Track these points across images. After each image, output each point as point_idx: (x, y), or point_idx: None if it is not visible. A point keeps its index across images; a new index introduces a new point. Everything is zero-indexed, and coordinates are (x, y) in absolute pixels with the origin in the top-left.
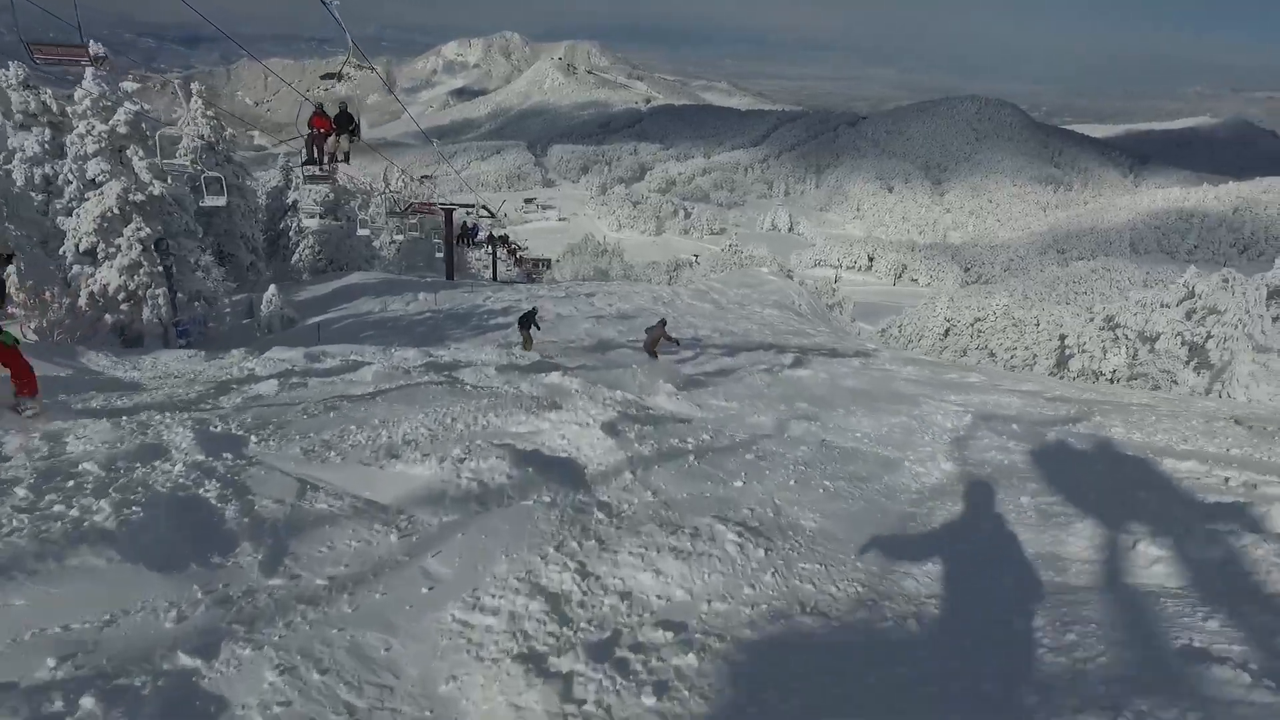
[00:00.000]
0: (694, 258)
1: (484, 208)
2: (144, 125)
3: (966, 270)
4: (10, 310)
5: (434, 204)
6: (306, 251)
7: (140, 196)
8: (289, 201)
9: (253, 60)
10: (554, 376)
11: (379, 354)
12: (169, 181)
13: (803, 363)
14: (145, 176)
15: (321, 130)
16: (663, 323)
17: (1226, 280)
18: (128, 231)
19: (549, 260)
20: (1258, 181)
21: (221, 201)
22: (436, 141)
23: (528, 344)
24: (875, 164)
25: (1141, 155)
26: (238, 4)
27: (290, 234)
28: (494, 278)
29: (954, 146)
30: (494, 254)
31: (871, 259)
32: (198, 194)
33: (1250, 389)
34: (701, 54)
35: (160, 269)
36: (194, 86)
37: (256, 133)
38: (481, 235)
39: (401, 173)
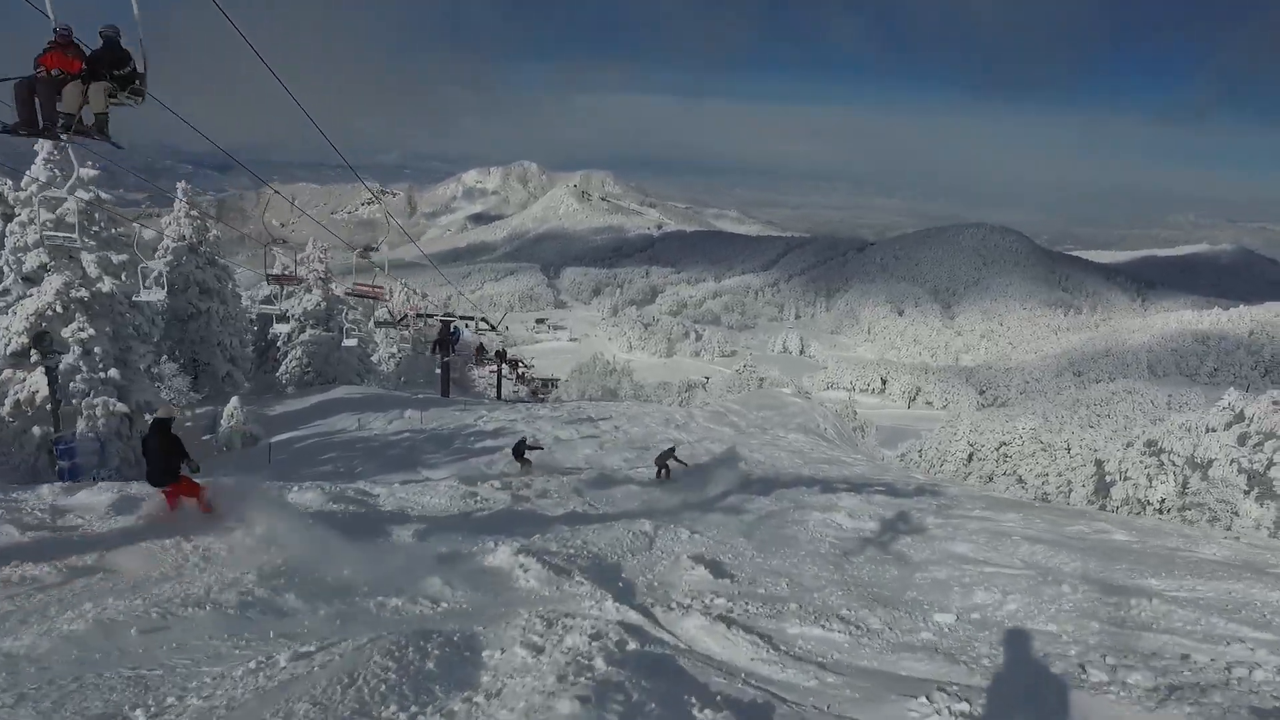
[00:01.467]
0: (705, 379)
1: (483, 319)
2: (97, 215)
3: (982, 393)
4: None
5: (426, 314)
6: (293, 363)
7: (85, 293)
8: (280, 310)
9: (279, 184)
10: (501, 554)
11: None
12: (123, 279)
13: (909, 522)
14: (93, 271)
15: (53, 74)
16: (672, 450)
17: (1277, 402)
18: (67, 332)
19: (555, 379)
20: (1268, 306)
21: (158, 296)
22: (434, 262)
23: (525, 469)
24: (885, 288)
25: (1147, 280)
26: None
27: (278, 344)
28: (498, 396)
29: (962, 271)
30: (499, 371)
31: (885, 381)
32: (172, 295)
33: None
34: (712, 182)
35: (101, 374)
36: (180, 184)
37: (276, 249)
38: (468, 338)
39: (404, 285)
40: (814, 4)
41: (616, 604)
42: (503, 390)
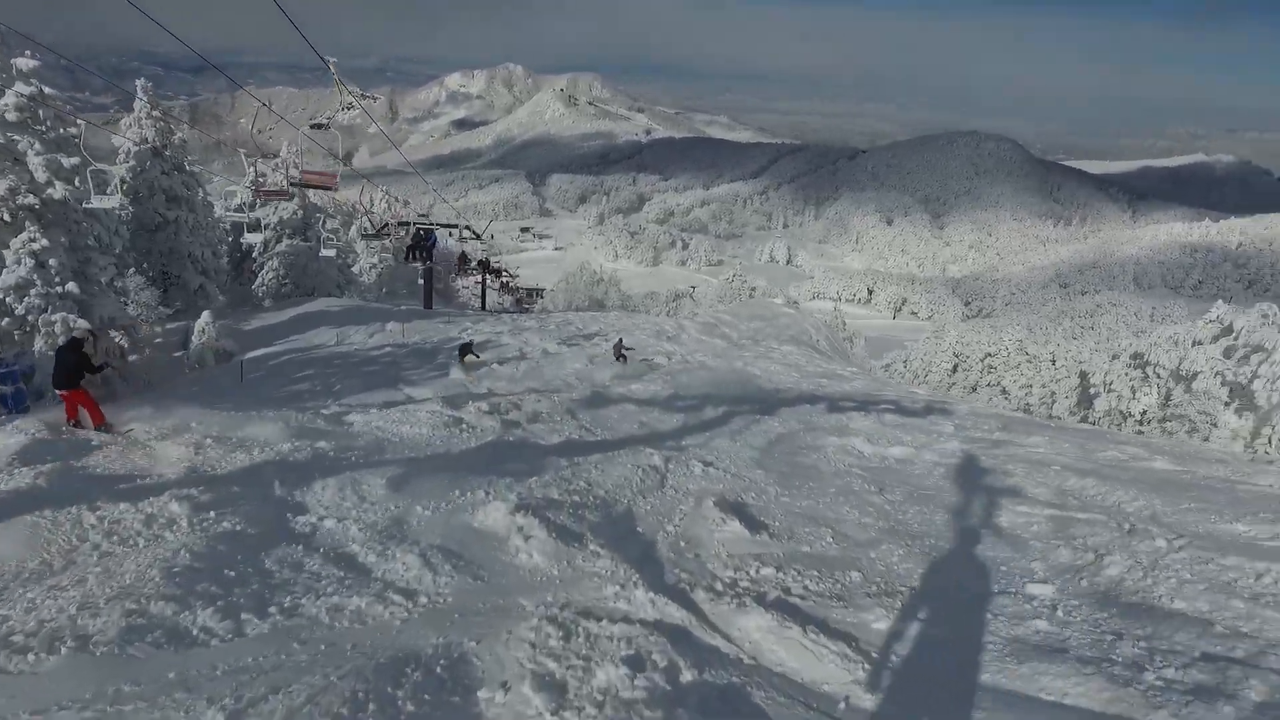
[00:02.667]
0: (692, 289)
1: (468, 227)
2: (42, 114)
3: (968, 304)
4: None
5: (409, 222)
6: (270, 275)
7: (34, 200)
8: (253, 218)
9: (254, 88)
10: (495, 510)
11: None
12: (76, 185)
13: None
14: (42, 176)
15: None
16: (620, 340)
17: (1267, 316)
18: (16, 244)
19: (541, 290)
20: (1259, 218)
21: (112, 203)
22: (419, 170)
23: (470, 374)
24: (875, 197)
25: (1139, 192)
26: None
27: (254, 255)
28: (483, 307)
29: (953, 181)
30: (483, 282)
31: (871, 292)
32: (136, 203)
33: None
34: (702, 88)
35: (59, 289)
36: (139, 82)
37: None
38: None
39: (386, 193)
40: None
41: (650, 594)
42: (487, 301)
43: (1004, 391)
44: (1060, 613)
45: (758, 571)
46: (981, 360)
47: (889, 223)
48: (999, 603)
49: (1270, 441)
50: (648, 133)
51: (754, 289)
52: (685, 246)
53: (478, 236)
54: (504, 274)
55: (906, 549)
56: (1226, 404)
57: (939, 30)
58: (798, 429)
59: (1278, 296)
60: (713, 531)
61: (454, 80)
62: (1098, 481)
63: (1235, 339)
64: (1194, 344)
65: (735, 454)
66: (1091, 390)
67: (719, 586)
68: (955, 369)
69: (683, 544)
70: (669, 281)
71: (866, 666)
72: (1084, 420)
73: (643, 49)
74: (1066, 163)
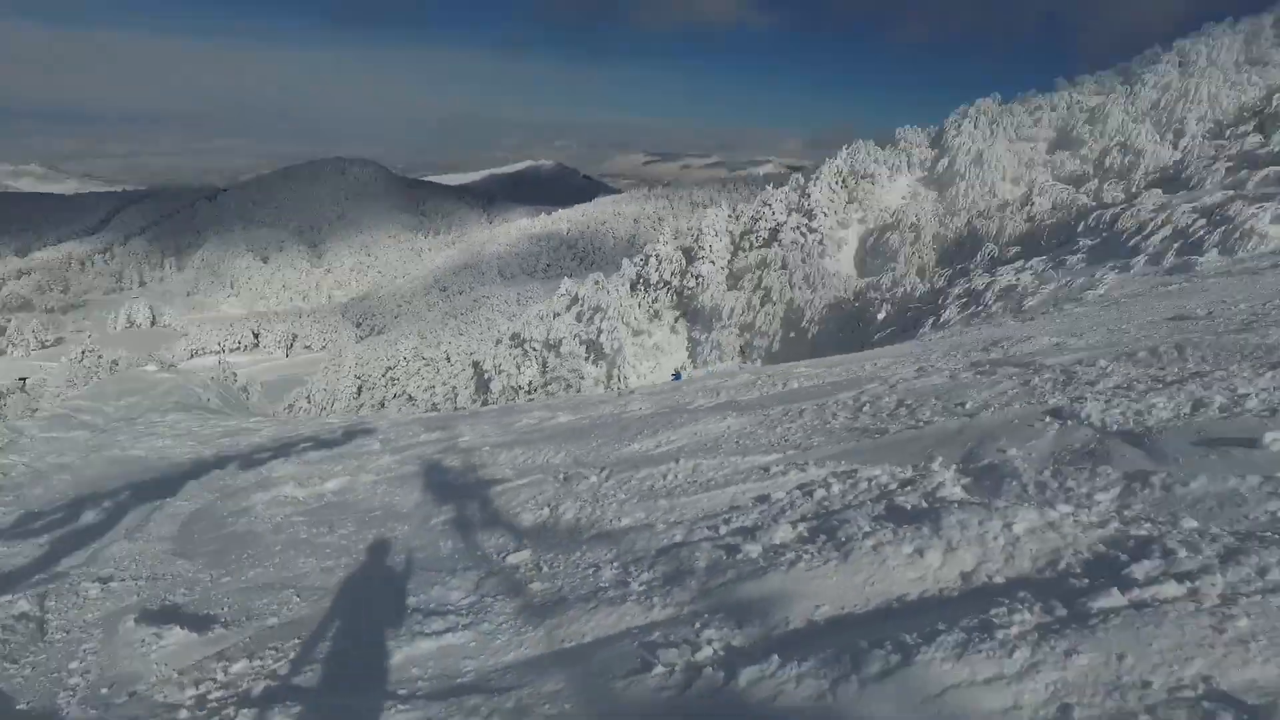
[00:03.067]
0: (21, 381)
1: None
2: None
3: (359, 325)
4: None
5: None
6: None
7: None
8: None
9: None
10: None
11: None
12: None
13: None
14: None
15: None
16: None
17: (598, 283)
18: None
19: None
20: (576, 208)
21: None
22: None
23: None
24: (245, 236)
25: (490, 196)
26: None
27: None
28: None
29: (325, 209)
30: None
31: (258, 335)
32: None
33: (636, 367)
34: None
35: None
36: None
37: None
38: None
39: None
40: None
41: None
42: None
43: (411, 399)
44: (546, 569)
45: (226, 672)
46: (384, 375)
47: (265, 261)
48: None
49: (620, 379)
50: None
51: (115, 362)
52: (3, 331)
53: None
54: None
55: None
56: (585, 359)
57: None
58: (214, 499)
59: (602, 266)
60: (147, 654)
61: None
62: (525, 448)
63: (582, 305)
64: (554, 316)
65: (141, 555)
66: (485, 376)
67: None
68: (360, 390)
69: (105, 690)
70: None
71: None
72: (484, 404)
73: None
74: (428, 179)
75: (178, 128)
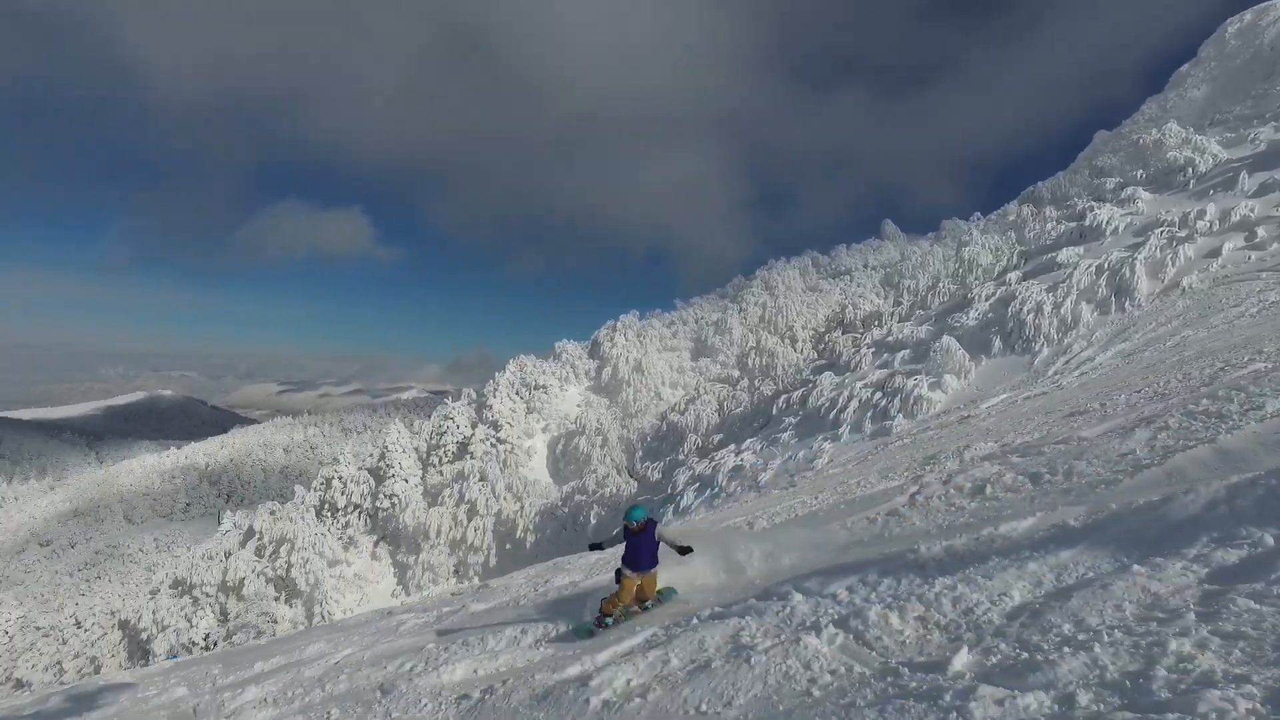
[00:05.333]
0: None
1: None
2: None
3: None
4: None
5: None
6: None
7: None
8: None
9: None
10: None
11: None
12: None
13: None
14: None
15: None
16: None
17: (274, 512)
18: None
19: None
20: (210, 440)
21: None
22: None
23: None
24: None
25: (97, 433)
26: None
27: None
28: None
29: None
30: None
31: None
32: None
33: (340, 600)
34: None
35: None
36: None
37: None
38: None
39: None
40: None
41: None
42: None
43: (22, 683)
44: None
45: None
46: None
47: None
48: None
49: (322, 616)
50: None
51: None
52: None
53: None
54: None
55: None
56: (276, 599)
57: None
58: None
59: (254, 500)
60: None
61: None
62: None
63: (261, 539)
64: (227, 555)
65: None
66: (144, 635)
67: None
68: None
69: None
70: None
71: None
72: (145, 666)
73: None
74: (5, 414)
75: None
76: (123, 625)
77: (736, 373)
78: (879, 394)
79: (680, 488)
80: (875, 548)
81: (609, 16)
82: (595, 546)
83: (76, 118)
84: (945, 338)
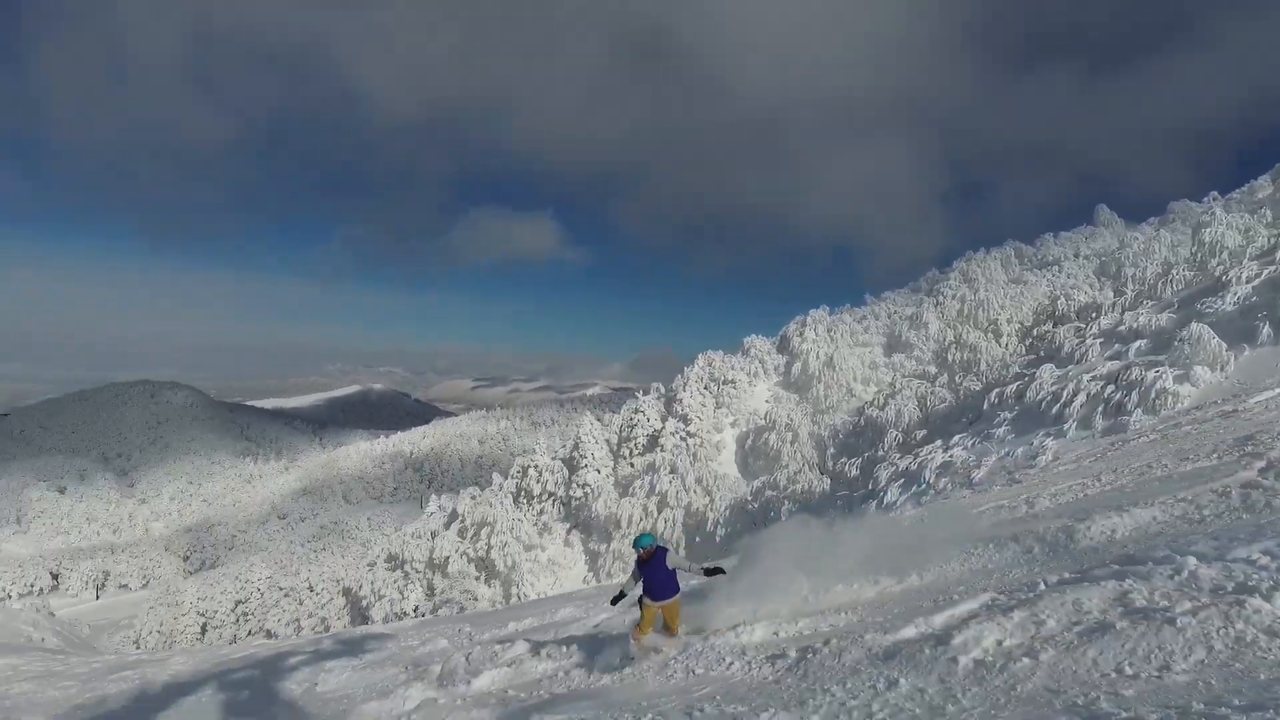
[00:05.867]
0: None
1: None
2: None
3: (186, 559)
4: None
5: None
6: None
7: None
8: None
9: None
10: None
11: None
12: None
13: None
14: None
15: None
16: None
17: (475, 497)
18: None
19: None
20: (414, 431)
21: None
22: None
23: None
24: (35, 465)
25: (320, 421)
26: None
27: None
28: None
29: (134, 434)
30: None
31: (57, 576)
32: None
33: (536, 584)
34: None
35: None
36: None
37: None
38: None
39: None
40: None
41: None
42: None
43: (269, 634)
44: None
45: None
46: (233, 610)
47: (62, 491)
48: None
49: (518, 597)
50: None
51: None
52: None
53: None
54: None
55: None
56: (476, 578)
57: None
58: None
59: (452, 487)
60: None
61: None
62: None
63: (463, 521)
64: (433, 535)
65: None
66: (363, 603)
67: None
68: (205, 629)
69: None
70: None
71: None
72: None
73: None
74: (249, 403)
75: None
76: (345, 592)
77: (934, 368)
78: (1111, 387)
79: (883, 484)
80: (1252, 516)
81: (794, 6)
82: (616, 600)
83: (309, 141)
84: (1195, 325)
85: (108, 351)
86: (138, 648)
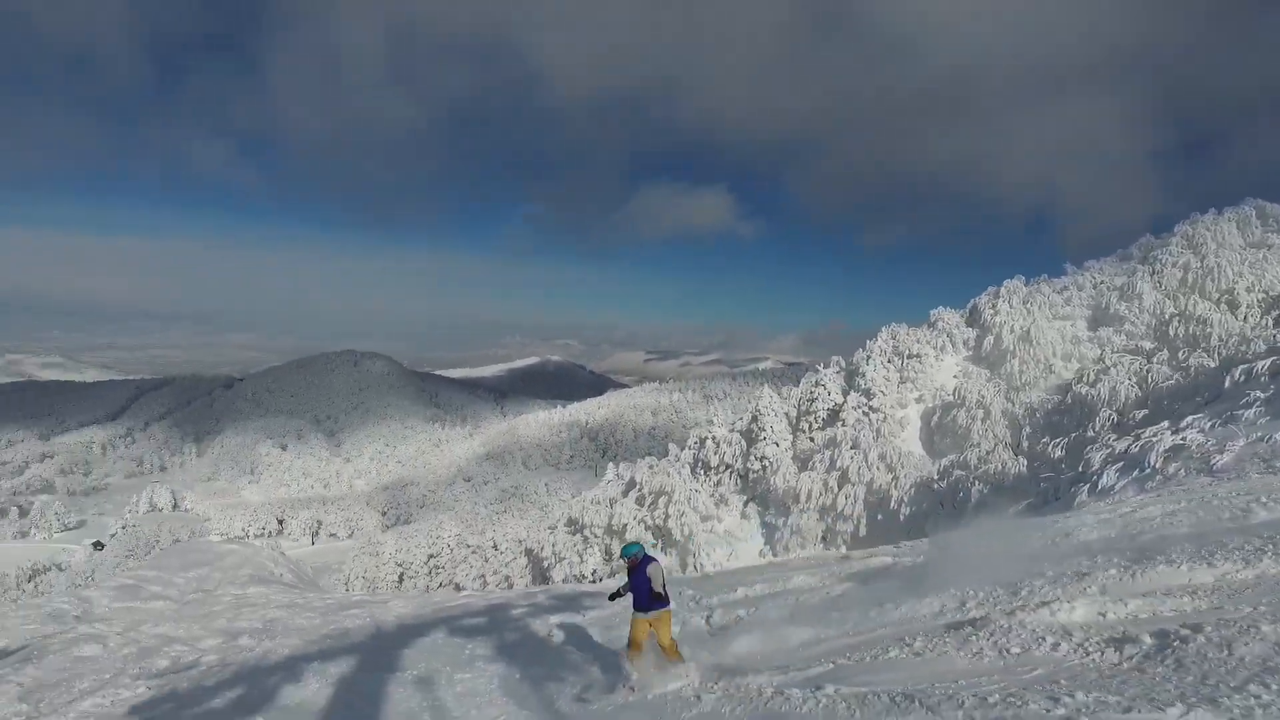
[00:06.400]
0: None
1: None
2: None
3: (384, 514)
4: None
5: None
6: None
7: None
8: None
9: None
10: None
11: None
12: None
13: None
14: None
15: None
16: None
17: (652, 466)
18: None
19: None
20: (589, 401)
21: None
22: None
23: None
24: (263, 424)
25: (502, 390)
26: None
27: None
28: None
29: (340, 399)
30: None
31: (282, 521)
32: None
33: (711, 555)
34: (19, 325)
35: None
36: None
37: None
38: None
39: None
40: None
41: None
42: None
43: (458, 587)
44: None
45: None
46: (426, 563)
47: (284, 448)
48: None
49: (695, 567)
50: None
51: (157, 541)
52: (24, 513)
53: None
54: None
55: None
56: (653, 545)
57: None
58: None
59: (626, 456)
60: None
61: None
62: None
63: (641, 489)
64: (611, 502)
65: None
66: (545, 564)
67: None
68: (401, 578)
69: None
70: (14, 559)
71: None
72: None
73: None
74: (438, 373)
75: (190, 323)
76: (527, 552)
77: (1149, 343)
78: None
79: (1096, 467)
80: None
81: None
82: (614, 597)
83: (495, 126)
84: None
85: (319, 323)
86: (347, 590)
